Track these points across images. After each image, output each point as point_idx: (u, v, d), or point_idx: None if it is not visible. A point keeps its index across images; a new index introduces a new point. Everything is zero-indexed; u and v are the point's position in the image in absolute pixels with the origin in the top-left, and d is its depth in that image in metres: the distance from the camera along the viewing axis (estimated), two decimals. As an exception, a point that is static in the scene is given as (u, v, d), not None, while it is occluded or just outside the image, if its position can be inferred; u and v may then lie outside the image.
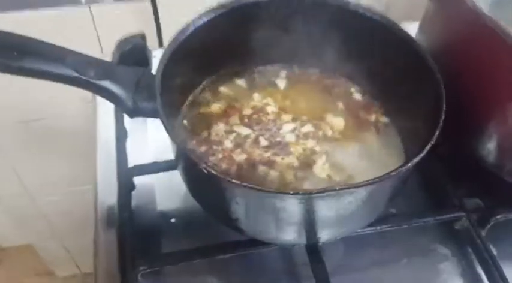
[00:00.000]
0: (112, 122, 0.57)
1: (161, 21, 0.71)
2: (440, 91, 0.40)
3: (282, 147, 0.46)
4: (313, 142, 0.47)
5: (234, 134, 0.47)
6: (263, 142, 0.47)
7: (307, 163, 0.45)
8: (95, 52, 0.72)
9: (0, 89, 0.78)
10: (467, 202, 0.51)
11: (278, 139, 0.47)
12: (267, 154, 0.45)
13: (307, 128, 0.48)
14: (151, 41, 0.67)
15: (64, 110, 0.85)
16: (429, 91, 0.42)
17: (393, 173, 0.35)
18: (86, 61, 0.41)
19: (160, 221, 0.51)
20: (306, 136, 0.47)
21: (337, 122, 0.50)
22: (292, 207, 0.36)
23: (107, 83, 0.40)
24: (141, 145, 0.56)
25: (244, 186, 0.34)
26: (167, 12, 0.71)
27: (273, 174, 0.44)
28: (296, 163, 0.45)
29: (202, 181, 0.39)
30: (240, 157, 0.45)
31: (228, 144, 0.46)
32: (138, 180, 0.51)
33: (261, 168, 0.44)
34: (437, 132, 0.37)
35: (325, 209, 0.36)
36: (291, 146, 0.46)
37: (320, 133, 0.49)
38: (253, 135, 0.47)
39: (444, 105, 0.39)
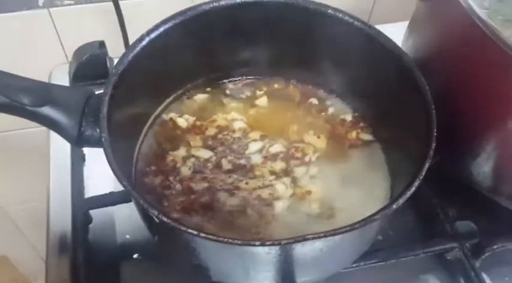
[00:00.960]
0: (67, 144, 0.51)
1: (127, 23, 0.65)
2: (431, 115, 0.35)
3: (246, 170, 0.42)
4: (284, 164, 0.42)
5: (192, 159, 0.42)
6: (226, 165, 0.42)
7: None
8: (60, 58, 0.68)
9: None
10: (460, 226, 0.47)
11: (242, 161, 0.43)
12: (230, 180, 0.41)
13: (278, 148, 0.44)
14: (116, 48, 0.62)
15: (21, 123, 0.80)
16: (419, 112, 0.37)
17: (376, 216, 0.30)
18: (20, 85, 0.35)
19: (121, 257, 0.45)
20: (275, 157, 0.43)
21: (318, 141, 0.45)
22: (260, 256, 0.31)
23: (46, 109, 0.35)
24: (100, 169, 0.50)
25: (200, 236, 0.28)
26: (134, 13, 0.65)
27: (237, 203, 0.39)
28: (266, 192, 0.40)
29: (157, 229, 0.34)
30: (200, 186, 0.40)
31: (186, 171, 0.41)
32: (95, 212, 0.46)
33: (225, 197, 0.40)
34: (426, 165, 0.32)
35: (298, 256, 0.31)
36: (256, 169, 0.42)
37: (298, 154, 0.44)
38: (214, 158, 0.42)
39: (435, 132, 0.34)
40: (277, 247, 0.29)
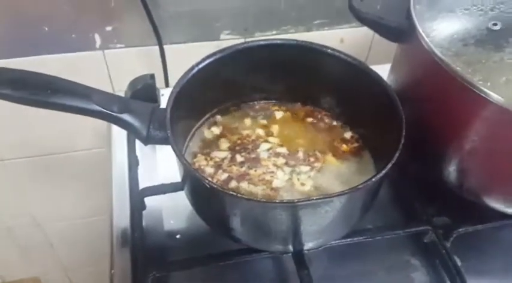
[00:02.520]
0: (125, 152, 0.65)
1: (168, 64, 0.80)
2: (402, 122, 0.48)
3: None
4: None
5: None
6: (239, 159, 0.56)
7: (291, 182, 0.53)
8: (108, 90, 0.82)
9: (12, 126, 0.85)
10: (436, 220, 0.58)
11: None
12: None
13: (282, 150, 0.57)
14: (159, 82, 0.76)
15: (73, 144, 0.93)
16: (394, 123, 0.49)
17: (360, 186, 0.42)
18: (108, 98, 0.49)
19: (167, 237, 0.58)
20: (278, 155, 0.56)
21: (319, 149, 0.58)
22: (277, 215, 0.43)
23: (125, 116, 0.49)
24: (151, 172, 0.64)
25: (237, 196, 0.42)
26: (173, 56, 0.80)
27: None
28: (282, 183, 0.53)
29: (204, 195, 0.47)
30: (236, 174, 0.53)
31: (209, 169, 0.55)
32: (148, 203, 0.59)
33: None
34: (397, 154, 0.45)
35: (305, 217, 0.44)
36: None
37: (305, 159, 0.57)
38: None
39: (403, 133, 0.47)
40: (290, 206, 0.42)
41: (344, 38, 0.86)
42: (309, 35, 0.84)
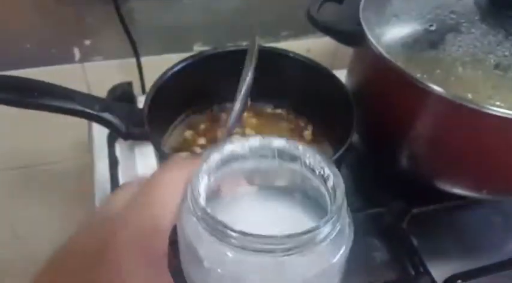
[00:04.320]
0: (106, 156, 0.69)
1: (144, 74, 0.86)
2: (353, 111, 0.54)
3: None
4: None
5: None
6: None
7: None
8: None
9: None
10: (393, 203, 0.64)
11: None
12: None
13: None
14: (136, 90, 0.81)
15: (53, 156, 0.96)
16: (348, 114, 0.56)
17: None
18: (89, 98, 0.54)
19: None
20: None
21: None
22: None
23: (106, 114, 0.54)
24: (131, 171, 0.68)
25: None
26: (149, 67, 0.85)
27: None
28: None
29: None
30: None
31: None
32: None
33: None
34: (349, 140, 0.51)
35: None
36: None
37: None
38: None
39: (354, 123, 0.53)
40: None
41: (310, 48, 0.93)
42: (277, 45, 0.90)
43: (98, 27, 0.80)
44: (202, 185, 0.25)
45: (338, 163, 0.51)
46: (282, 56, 0.63)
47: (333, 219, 0.24)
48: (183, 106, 0.65)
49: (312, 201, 0.28)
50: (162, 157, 0.51)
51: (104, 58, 0.85)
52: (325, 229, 0.24)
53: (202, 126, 0.65)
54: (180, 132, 0.64)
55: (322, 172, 0.27)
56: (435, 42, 0.54)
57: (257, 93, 0.67)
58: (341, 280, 0.28)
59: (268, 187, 0.29)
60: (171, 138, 0.63)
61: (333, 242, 0.25)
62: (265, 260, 0.23)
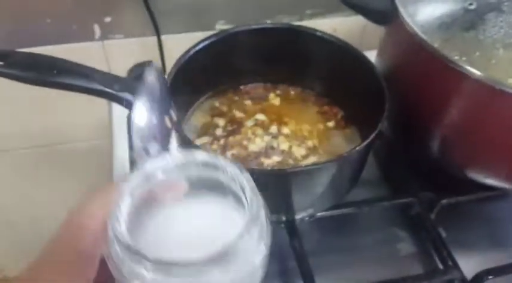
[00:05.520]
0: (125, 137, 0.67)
1: (165, 53, 0.84)
2: (384, 95, 0.51)
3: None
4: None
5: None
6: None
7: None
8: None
9: (10, 115, 0.87)
10: (422, 193, 0.61)
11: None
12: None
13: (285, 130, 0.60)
14: (156, 70, 0.79)
15: (73, 136, 0.96)
16: (379, 98, 0.53)
17: (346, 154, 0.46)
18: (109, 77, 0.52)
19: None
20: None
21: (308, 125, 0.61)
22: (269, 183, 0.46)
23: (126, 94, 0.51)
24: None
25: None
26: (170, 45, 0.83)
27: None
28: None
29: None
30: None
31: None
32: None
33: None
34: (380, 124, 0.48)
35: (297, 185, 0.47)
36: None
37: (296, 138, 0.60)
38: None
39: (386, 107, 0.50)
40: (280, 174, 0.45)
41: (337, 27, 0.90)
42: (302, 24, 0.87)
43: (118, 4, 0.78)
44: (124, 209, 0.27)
45: (366, 150, 0.49)
46: (309, 35, 0.60)
47: (249, 228, 0.26)
48: (205, 86, 0.63)
49: (237, 200, 0.30)
50: (182, 139, 0.49)
51: (125, 36, 0.82)
52: (242, 241, 0.25)
53: (224, 108, 0.63)
54: (202, 113, 0.62)
55: (241, 183, 0.29)
56: (474, 22, 0.50)
57: (282, 74, 0.65)
58: (264, 273, 0.30)
59: (197, 194, 0.30)
60: (192, 120, 0.61)
61: (251, 248, 0.27)
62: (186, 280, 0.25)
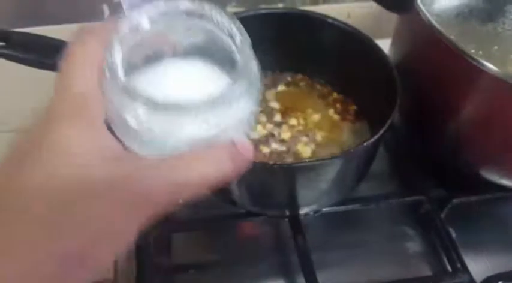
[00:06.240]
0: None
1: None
2: (396, 87, 0.49)
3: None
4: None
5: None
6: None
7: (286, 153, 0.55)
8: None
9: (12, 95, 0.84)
10: (433, 191, 0.59)
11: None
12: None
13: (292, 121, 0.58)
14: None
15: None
16: (390, 90, 0.50)
17: (353, 149, 0.44)
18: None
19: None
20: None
21: (316, 116, 0.59)
22: (274, 177, 0.45)
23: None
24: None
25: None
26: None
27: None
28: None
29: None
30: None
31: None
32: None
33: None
34: (390, 118, 0.46)
35: (298, 179, 0.45)
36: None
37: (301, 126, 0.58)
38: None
39: (397, 100, 0.48)
40: (284, 168, 0.44)
41: (351, 13, 0.87)
42: (315, 9, 0.84)
43: (128, -15, 0.76)
44: (118, 53, 0.26)
45: (375, 146, 0.46)
46: (320, 21, 0.57)
47: (240, 79, 0.26)
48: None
49: (226, 56, 0.29)
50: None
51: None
52: (234, 89, 0.26)
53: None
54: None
55: (229, 29, 0.28)
56: (493, 13, 0.47)
57: (291, 62, 0.62)
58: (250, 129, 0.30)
59: (184, 52, 0.29)
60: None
61: (243, 95, 0.27)
62: (182, 118, 0.25)
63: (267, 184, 0.46)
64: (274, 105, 0.60)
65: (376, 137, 0.45)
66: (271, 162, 0.44)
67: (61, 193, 0.24)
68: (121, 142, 0.27)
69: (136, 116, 0.25)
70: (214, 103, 0.25)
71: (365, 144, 0.44)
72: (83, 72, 0.27)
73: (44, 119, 0.26)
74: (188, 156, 0.26)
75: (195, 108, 0.25)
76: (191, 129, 0.26)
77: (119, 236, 0.26)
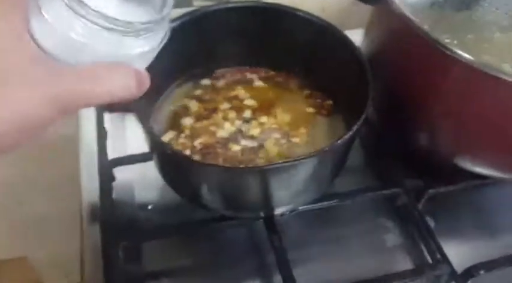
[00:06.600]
0: (93, 126, 0.63)
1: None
2: (369, 82, 0.47)
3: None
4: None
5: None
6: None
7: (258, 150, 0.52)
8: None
9: None
10: (407, 182, 0.58)
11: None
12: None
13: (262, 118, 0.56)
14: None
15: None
16: (363, 82, 0.48)
17: (327, 148, 0.42)
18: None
19: (139, 208, 0.57)
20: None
21: (289, 112, 0.57)
22: (242, 179, 0.43)
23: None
24: (120, 144, 0.62)
25: (199, 163, 0.41)
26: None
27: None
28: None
29: (170, 164, 0.46)
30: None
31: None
32: (118, 175, 0.57)
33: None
34: (363, 116, 0.44)
35: (272, 181, 0.43)
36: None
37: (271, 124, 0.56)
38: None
39: (370, 95, 0.46)
40: (258, 170, 0.42)
41: (326, 7, 0.84)
42: (290, 2, 0.81)
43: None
44: None
45: (350, 142, 0.45)
46: (291, 14, 0.55)
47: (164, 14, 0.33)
48: (177, 71, 0.58)
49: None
50: (148, 133, 0.44)
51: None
52: (158, 20, 0.32)
53: (198, 93, 0.58)
54: (173, 100, 0.57)
55: None
56: (469, 1, 0.46)
57: (262, 57, 0.60)
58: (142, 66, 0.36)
59: None
60: (163, 109, 0.57)
61: (158, 30, 0.34)
62: (109, 36, 0.30)
63: (238, 187, 0.44)
64: (245, 101, 0.58)
65: (350, 133, 0.43)
66: (241, 165, 0.42)
67: None
68: (41, 47, 0.30)
69: (59, 15, 0.29)
70: (144, 28, 0.31)
71: (339, 141, 0.42)
72: None
73: None
74: (99, 68, 0.31)
75: (127, 26, 0.30)
76: (111, 46, 0.31)
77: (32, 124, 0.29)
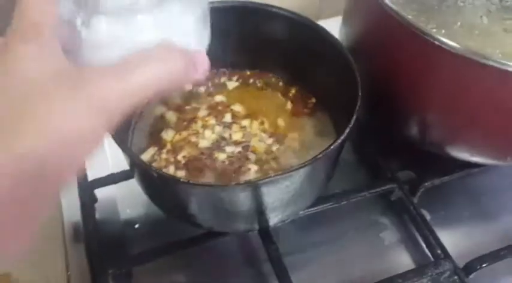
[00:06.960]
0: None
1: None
2: (357, 81, 0.45)
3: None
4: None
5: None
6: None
7: (245, 155, 0.50)
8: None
9: None
10: (401, 175, 0.56)
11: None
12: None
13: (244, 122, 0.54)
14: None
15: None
16: (349, 80, 0.46)
17: (320, 155, 0.40)
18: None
19: (125, 228, 0.54)
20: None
21: (273, 112, 0.55)
22: (234, 196, 0.40)
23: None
24: (100, 163, 0.58)
25: (189, 183, 0.38)
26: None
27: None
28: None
29: (154, 183, 0.43)
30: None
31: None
32: (100, 193, 0.55)
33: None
34: (354, 117, 0.42)
35: (266, 195, 0.41)
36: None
37: (260, 129, 0.53)
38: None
39: (359, 93, 0.44)
40: (246, 186, 0.39)
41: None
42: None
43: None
44: None
45: (342, 144, 0.42)
46: (264, 11, 0.52)
47: None
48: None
49: None
50: (128, 155, 0.41)
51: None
52: None
53: (176, 100, 0.56)
54: (152, 110, 0.54)
55: None
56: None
57: (240, 58, 0.57)
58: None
59: None
60: (142, 120, 0.54)
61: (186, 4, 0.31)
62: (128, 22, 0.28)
63: (230, 203, 0.41)
64: (224, 105, 0.55)
65: (342, 137, 0.41)
66: (232, 175, 0.39)
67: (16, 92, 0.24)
68: (72, 60, 0.27)
69: (85, 22, 0.28)
70: (159, 4, 0.28)
71: (332, 147, 0.40)
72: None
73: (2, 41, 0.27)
74: (134, 58, 0.27)
75: (141, 10, 0.28)
76: (136, 34, 0.28)
77: (85, 139, 0.26)
